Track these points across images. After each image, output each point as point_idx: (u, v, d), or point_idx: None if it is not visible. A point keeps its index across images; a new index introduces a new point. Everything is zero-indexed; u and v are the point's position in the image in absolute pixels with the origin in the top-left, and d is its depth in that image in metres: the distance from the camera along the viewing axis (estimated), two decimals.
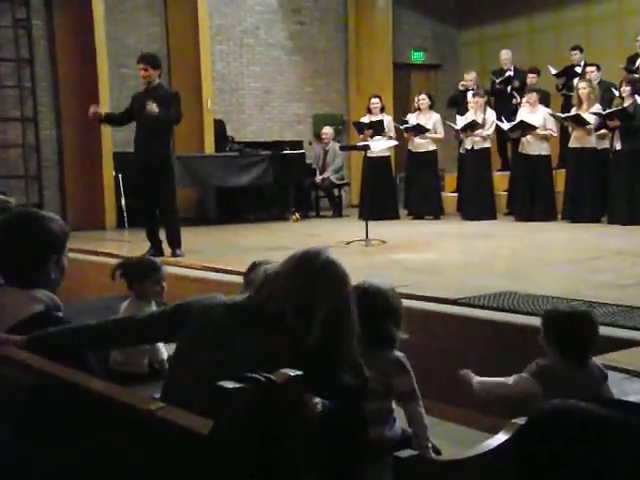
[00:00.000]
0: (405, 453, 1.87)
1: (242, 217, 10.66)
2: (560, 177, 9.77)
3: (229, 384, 1.46)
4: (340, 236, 8.09)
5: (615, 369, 2.89)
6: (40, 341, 2.09)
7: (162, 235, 7.18)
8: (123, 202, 10.59)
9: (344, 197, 11.95)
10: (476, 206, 9.96)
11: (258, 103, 12.60)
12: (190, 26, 11.38)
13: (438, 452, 2.43)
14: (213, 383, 1.48)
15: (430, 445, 2.34)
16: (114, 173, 10.63)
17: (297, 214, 10.95)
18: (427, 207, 10.45)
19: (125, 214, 10.54)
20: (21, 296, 2.26)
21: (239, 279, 5.67)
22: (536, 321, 3.89)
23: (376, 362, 2.28)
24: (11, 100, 10.34)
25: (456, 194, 11.04)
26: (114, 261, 7.22)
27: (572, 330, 2.48)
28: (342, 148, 10.21)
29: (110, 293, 6.64)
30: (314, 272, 2.01)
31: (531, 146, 9.50)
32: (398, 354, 2.39)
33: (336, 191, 11.53)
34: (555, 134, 9.58)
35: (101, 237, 9.58)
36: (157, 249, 7.07)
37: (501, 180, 10.80)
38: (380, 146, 7.98)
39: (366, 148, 7.81)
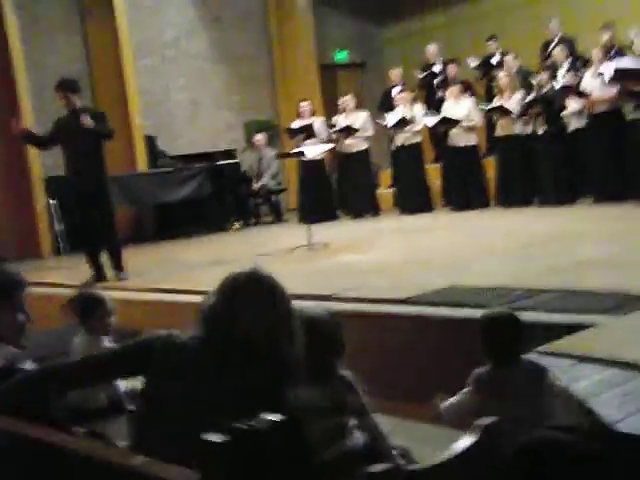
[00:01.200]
0: (377, 468, 1.92)
1: (181, 232, 10.57)
2: (490, 164, 10.02)
3: (214, 437, 1.46)
4: (283, 243, 8.12)
5: (562, 356, 3.01)
6: (6, 395, 2.06)
7: (103, 258, 7.11)
8: (57, 228, 10.41)
9: (282, 202, 11.98)
10: (412, 200, 10.14)
11: (187, 115, 12.53)
12: (110, 43, 11.25)
13: (406, 453, 2.50)
14: (191, 430, 1.49)
15: (395, 452, 2.40)
16: (47, 199, 10.42)
17: (237, 223, 10.95)
18: (364, 205, 10.57)
19: (60, 240, 10.36)
20: None
21: (190, 299, 5.69)
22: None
23: (323, 383, 2.35)
24: None
25: (392, 189, 11.18)
26: (58, 291, 7.15)
27: (497, 334, 2.58)
28: (278, 156, 10.26)
29: (59, 323, 6.57)
30: (255, 294, 2.05)
31: (459, 138, 9.72)
32: (344, 373, 2.45)
33: (274, 197, 11.55)
34: (479, 124, 9.81)
35: (40, 266, 9.38)
36: (99, 273, 6.99)
37: (435, 172, 10.99)
38: (315, 151, 8.04)
39: (301, 155, 7.87)
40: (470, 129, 9.69)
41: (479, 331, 2.73)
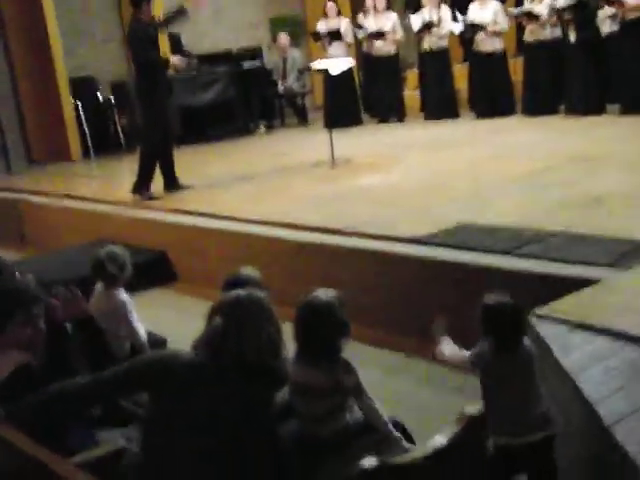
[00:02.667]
0: (369, 462, 2.11)
1: (207, 135, 10.63)
2: (518, 67, 9.82)
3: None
4: (306, 154, 8.19)
5: (557, 321, 3.15)
6: (21, 413, 2.26)
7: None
8: (86, 130, 10.54)
9: (308, 103, 11.90)
10: (438, 106, 10.04)
11: (211, 11, 12.29)
12: None
13: (403, 429, 2.70)
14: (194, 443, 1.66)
15: (391, 427, 2.60)
16: (72, 101, 10.50)
17: (262, 126, 10.98)
18: (390, 110, 10.50)
19: (89, 142, 10.52)
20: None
21: (212, 224, 5.87)
22: (488, 259, 4.18)
23: (323, 365, 2.53)
24: None
25: (418, 92, 11.04)
26: (86, 206, 7.38)
27: (499, 323, 2.61)
28: (300, 71, 10.22)
29: (82, 238, 6.83)
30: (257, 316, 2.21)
31: (484, 43, 9.49)
32: (343, 356, 2.62)
33: (299, 99, 11.49)
34: (506, 29, 9.55)
35: (69, 171, 9.57)
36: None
37: (463, 73, 10.79)
38: (339, 67, 7.92)
39: (325, 72, 7.82)
40: (496, 34, 9.44)
41: (482, 316, 2.72)
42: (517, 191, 5.61)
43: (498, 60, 9.58)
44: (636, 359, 2.74)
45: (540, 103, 9.13)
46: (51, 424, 2.28)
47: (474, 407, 2.36)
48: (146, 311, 4.60)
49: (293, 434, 2.63)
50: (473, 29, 9.44)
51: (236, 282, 2.74)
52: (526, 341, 2.63)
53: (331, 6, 10.38)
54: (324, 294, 2.68)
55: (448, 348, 2.75)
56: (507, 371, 2.52)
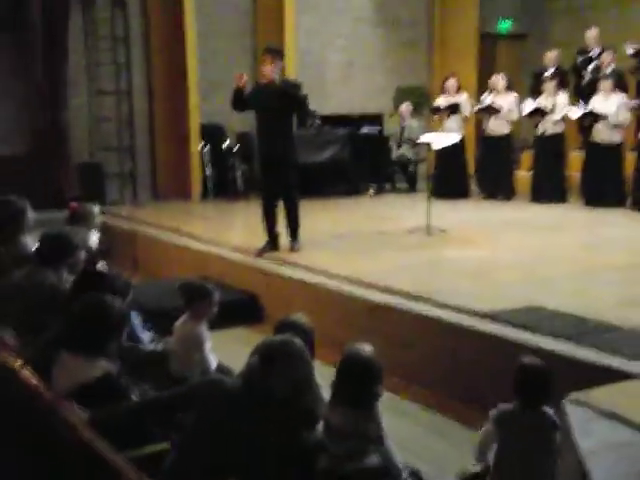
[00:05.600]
0: None
1: (319, 191, 11.15)
2: (630, 162, 9.81)
3: None
4: (405, 220, 8.50)
5: (588, 406, 3.31)
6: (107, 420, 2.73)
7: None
8: (208, 173, 11.32)
9: (419, 171, 12.25)
10: (547, 189, 10.17)
11: (341, 75, 12.95)
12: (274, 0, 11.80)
13: (416, 473, 2.96)
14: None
15: (405, 476, 2.87)
16: (201, 144, 11.31)
17: (372, 189, 11.41)
18: (499, 187, 10.71)
19: (210, 185, 11.28)
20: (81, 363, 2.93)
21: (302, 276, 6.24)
22: (550, 344, 4.35)
23: (352, 410, 2.84)
24: (107, 75, 11.09)
25: (530, 173, 11.18)
26: (195, 243, 7.97)
27: (527, 380, 2.92)
28: (408, 142, 10.77)
29: (188, 272, 7.38)
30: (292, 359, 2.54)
31: (603, 134, 9.58)
32: (375, 405, 2.91)
33: (411, 166, 11.88)
34: (627, 122, 9.60)
35: (188, 209, 10.31)
36: (274, 243, 7.14)
37: (578, 160, 10.87)
38: (442, 143, 8.29)
39: (428, 146, 8.22)
40: (616, 126, 9.52)
41: (515, 371, 3.05)
42: (597, 282, 5.72)
43: (614, 152, 9.64)
44: None
45: None
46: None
47: (476, 465, 2.59)
48: (227, 345, 5.05)
49: (320, 469, 2.93)
50: (593, 117, 9.57)
51: (285, 325, 3.09)
52: (550, 410, 2.88)
53: (451, 83, 10.79)
54: (366, 346, 3.00)
55: None
56: (525, 428, 2.77)
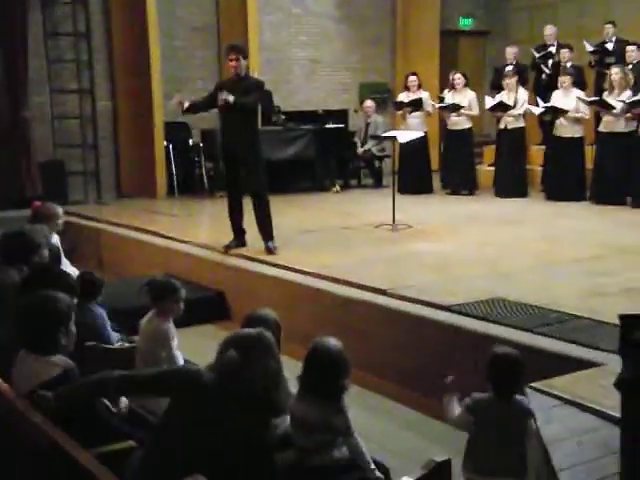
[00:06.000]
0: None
1: (285, 187, 11.15)
2: (590, 156, 9.98)
3: None
4: (370, 216, 8.56)
5: (551, 395, 3.39)
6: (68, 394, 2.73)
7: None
8: (174, 171, 11.27)
9: (384, 166, 12.33)
10: (508, 183, 10.31)
11: (305, 72, 12.98)
12: None
13: (385, 470, 2.99)
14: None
15: (373, 467, 2.90)
16: (165, 143, 11.25)
17: (338, 185, 11.44)
18: (461, 183, 10.83)
19: (175, 182, 11.22)
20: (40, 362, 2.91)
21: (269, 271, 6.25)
22: (513, 334, 4.42)
23: (319, 403, 2.87)
24: (69, 73, 10.97)
25: (493, 168, 11.32)
26: (160, 241, 7.94)
27: (500, 371, 2.97)
28: (372, 137, 10.76)
29: (154, 270, 7.33)
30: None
31: (565, 128, 9.74)
32: (342, 398, 2.94)
33: (377, 162, 11.95)
34: (587, 116, 9.77)
35: (153, 206, 10.26)
36: (240, 240, 7.12)
37: (539, 154, 11.05)
38: (407, 137, 8.38)
39: (393, 139, 8.28)
40: (577, 121, 9.69)
41: (488, 360, 3.09)
42: (558, 273, 5.83)
43: (575, 146, 9.79)
44: (609, 437, 2.95)
45: (608, 193, 9.27)
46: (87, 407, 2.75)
47: (442, 455, 2.63)
48: (194, 342, 5.05)
49: (287, 463, 2.96)
50: (554, 113, 9.72)
51: (253, 320, 3.11)
52: (523, 398, 2.95)
53: (413, 79, 10.91)
54: (333, 340, 3.03)
55: (455, 409, 3.07)
56: (500, 417, 2.83)
